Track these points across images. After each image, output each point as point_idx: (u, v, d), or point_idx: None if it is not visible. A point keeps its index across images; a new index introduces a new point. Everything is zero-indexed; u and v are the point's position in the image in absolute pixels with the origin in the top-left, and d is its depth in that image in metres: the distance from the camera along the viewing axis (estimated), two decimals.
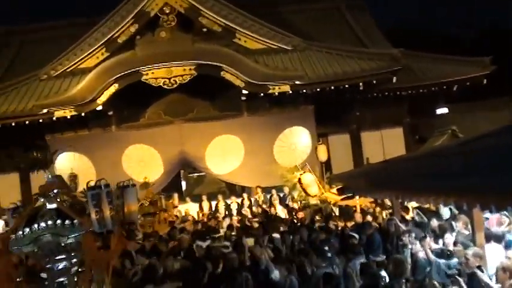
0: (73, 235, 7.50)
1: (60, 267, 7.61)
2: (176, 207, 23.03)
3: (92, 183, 7.91)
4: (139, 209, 20.88)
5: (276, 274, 9.85)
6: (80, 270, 7.73)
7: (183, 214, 22.20)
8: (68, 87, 23.88)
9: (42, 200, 7.92)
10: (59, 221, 7.48)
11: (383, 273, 9.50)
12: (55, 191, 8.09)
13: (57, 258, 7.57)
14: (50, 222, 7.46)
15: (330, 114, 24.81)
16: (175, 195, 24.02)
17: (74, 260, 7.65)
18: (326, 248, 11.16)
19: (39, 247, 7.52)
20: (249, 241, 13.09)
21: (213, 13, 24.57)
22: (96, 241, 7.88)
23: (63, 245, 7.48)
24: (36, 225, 7.45)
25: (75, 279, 7.67)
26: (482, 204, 6.54)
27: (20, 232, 7.55)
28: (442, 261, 9.99)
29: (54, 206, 7.81)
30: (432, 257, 10.36)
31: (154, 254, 13.05)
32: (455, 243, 10.41)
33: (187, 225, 18.54)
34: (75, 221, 7.58)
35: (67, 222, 7.51)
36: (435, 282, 9.63)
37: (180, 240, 14.54)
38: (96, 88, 22.62)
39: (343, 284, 9.09)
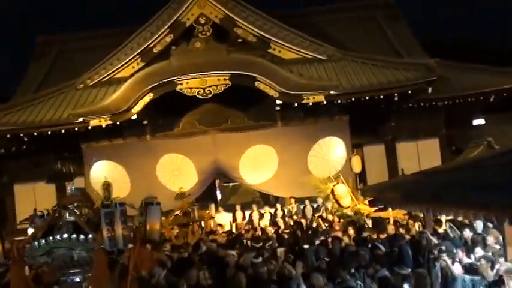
0: (85, 250, 7.52)
1: (74, 280, 7.62)
2: (213, 217, 23.00)
3: (107, 202, 7.93)
4: (174, 219, 20.98)
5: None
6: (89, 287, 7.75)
7: (217, 225, 22.19)
8: (104, 96, 24.08)
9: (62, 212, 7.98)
10: (74, 235, 7.50)
11: (406, 286, 9.33)
12: (75, 204, 8.12)
13: (71, 271, 7.59)
14: (65, 236, 7.51)
15: (365, 124, 24.69)
16: (212, 206, 24.00)
17: (87, 274, 7.68)
18: (353, 261, 11.03)
19: (53, 259, 7.55)
20: (280, 251, 13.05)
21: (248, 23, 24.57)
22: (107, 259, 7.90)
23: (76, 258, 7.50)
24: (51, 237, 7.48)
25: None
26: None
27: (36, 243, 7.60)
28: (467, 276, 9.82)
29: (72, 219, 7.84)
30: (455, 272, 10.21)
31: (180, 266, 12.92)
32: (481, 258, 10.22)
33: (217, 237, 18.37)
34: (90, 236, 7.60)
35: (81, 237, 7.52)
36: None
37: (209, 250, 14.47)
38: (131, 97, 22.76)
39: None
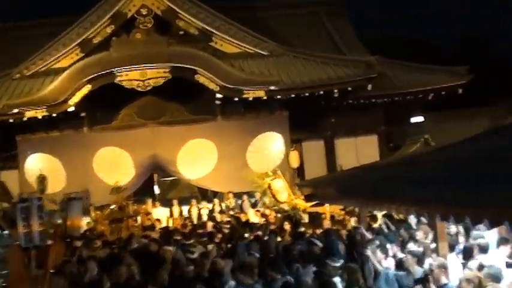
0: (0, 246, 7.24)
1: None
2: (149, 213, 22.64)
3: (24, 196, 7.65)
4: (109, 214, 20.59)
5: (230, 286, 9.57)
6: (4, 284, 7.44)
7: (155, 220, 21.87)
8: (41, 87, 23.57)
9: None
10: None
11: (336, 280, 9.28)
12: None
13: None
14: None
15: (305, 120, 24.71)
16: (149, 201, 23.67)
17: (3, 271, 7.38)
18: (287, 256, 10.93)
19: None
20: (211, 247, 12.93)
21: (190, 16, 24.41)
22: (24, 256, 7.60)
23: None
24: None
25: None
26: (443, 214, 6.43)
27: None
28: (391, 272, 9.86)
29: None
30: (379, 266, 10.26)
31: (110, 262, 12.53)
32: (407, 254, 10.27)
33: (154, 233, 17.92)
34: (5, 232, 7.32)
35: None
36: None
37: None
38: (69, 89, 22.35)
39: None
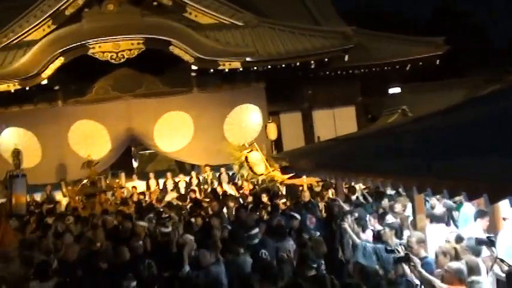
0: None
1: None
2: (123, 187, 22.42)
3: None
4: (81, 188, 20.31)
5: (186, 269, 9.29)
6: None
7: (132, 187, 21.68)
8: (13, 60, 23.09)
9: None
10: None
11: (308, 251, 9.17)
12: None
13: None
14: None
15: (282, 92, 24.66)
16: (122, 174, 23.44)
17: None
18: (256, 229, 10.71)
19: None
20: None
21: None
22: None
23: None
24: None
25: None
26: (419, 186, 6.29)
27: None
28: (369, 244, 9.77)
29: None
30: (356, 239, 10.16)
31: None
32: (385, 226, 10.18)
33: (125, 208, 17.60)
34: None
35: None
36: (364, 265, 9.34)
37: (103, 222, 13.85)
38: (41, 61, 21.96)
39: (277, 267, 8.71)
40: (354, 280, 7.86)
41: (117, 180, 22.25)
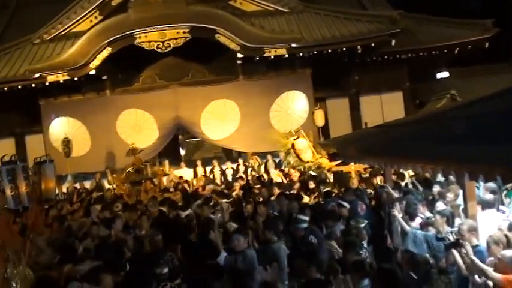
0: None
1: None
2: (167, 174, 22.58)
3: (7, 158, 7.38)
4: (126, 176, 20.48)
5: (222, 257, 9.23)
6: None
7: (178, 177, 21.82)
8: (61, 51, 23.47)
9: None
10: None
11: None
12: None
13: None
14: None
15: (328, 78, 24.42)
16: (166, 162, 23.62)
17: None
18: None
19: None
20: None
21: None
22: (12, 219, 7.42)
23: None
24: None
25: None
26: (471, 173, 6.17)
27: None
28: (420, 232, 9.60)
29: None
30: (406, 227, 9.99)
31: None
32: (436, 214, 10.00)
33: (172, 195, 17.58)
34: None
35: None
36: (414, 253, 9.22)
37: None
38: (89, 52, 22.25)
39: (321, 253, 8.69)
40: (391, 265, 7.78)
41: (160, 168, 22.42)
